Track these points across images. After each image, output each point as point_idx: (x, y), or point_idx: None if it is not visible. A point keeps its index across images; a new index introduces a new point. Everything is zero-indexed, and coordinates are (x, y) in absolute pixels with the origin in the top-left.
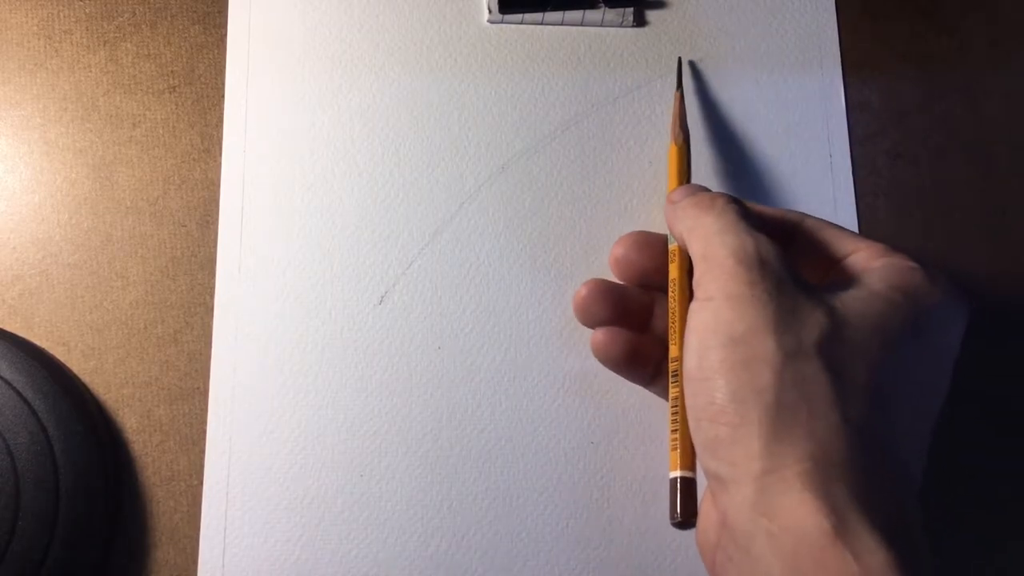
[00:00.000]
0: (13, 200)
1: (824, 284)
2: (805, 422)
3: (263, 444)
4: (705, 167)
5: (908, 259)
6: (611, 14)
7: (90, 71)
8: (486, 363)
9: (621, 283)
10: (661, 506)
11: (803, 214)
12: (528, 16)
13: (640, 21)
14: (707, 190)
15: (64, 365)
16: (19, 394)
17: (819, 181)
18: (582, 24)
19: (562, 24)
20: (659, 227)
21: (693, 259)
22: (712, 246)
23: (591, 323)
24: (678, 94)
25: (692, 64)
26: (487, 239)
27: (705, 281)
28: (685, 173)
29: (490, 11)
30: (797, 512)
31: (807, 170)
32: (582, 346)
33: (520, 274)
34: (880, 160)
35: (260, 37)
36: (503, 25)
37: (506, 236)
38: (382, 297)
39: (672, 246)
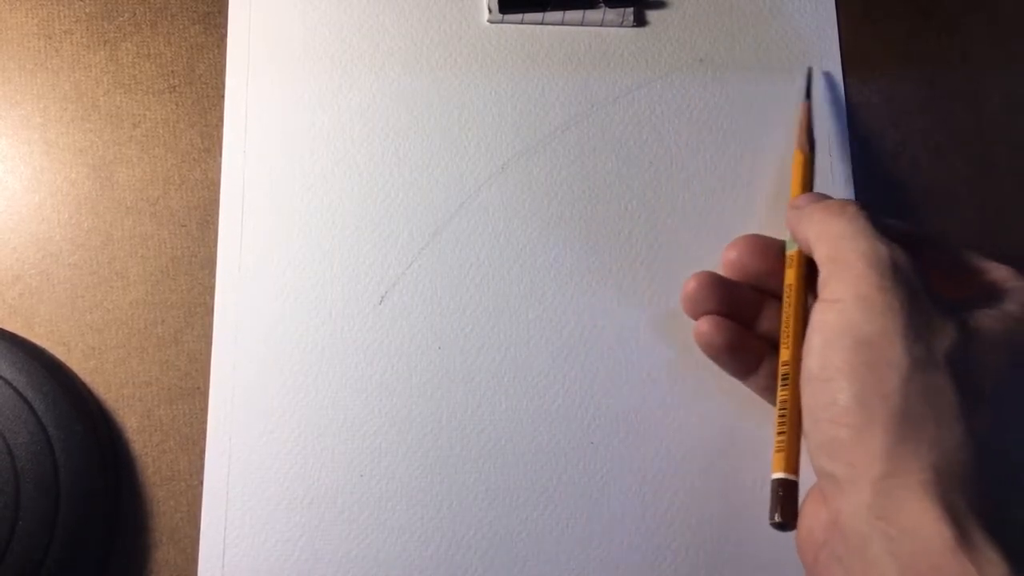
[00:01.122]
0: (13, 200)
1: (955, 301)
2: (930, 431)
3: (263, 444)
4: (705, 168)
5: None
6: (611, 14)
7: (90, 71)
8: (486, 363)
9: (730, 279)
10: (660, 506)
11: (930, 232)
12: (528, 16)
13: (640, 21)
14: (830, 198)
15: (64, 365)
16: (19, 394)
17: (819, 181)
18: (582, 24)
19: (562, 24)
20: (661, 227)
21: (819, 262)
22: (842, 250)
23: (697, 314)
24: (807, 103)
25: (692, 64)
26: (487, 239)
27: (833, 283)
28: (809, 181)
29: (490, 11)
30: (918, 519)
31: None
32: (582, 346)
33: (520, 274)
34: (880, 160)
35: (260, 37)
36: (503, 25)
37: (506, 236)
38: (382, 297)
39: (790, 251)
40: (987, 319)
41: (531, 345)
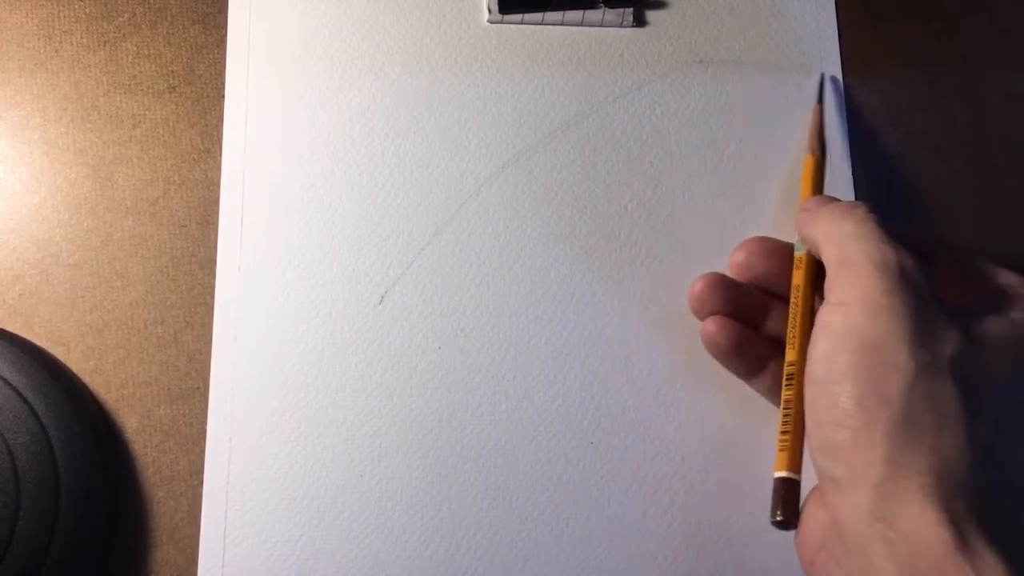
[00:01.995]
0: (13, 200)
1: (961, 307)
2: (931, 436)
3: (263, 444)
4: (705, 168)
5: None
6: (611, 14)
7: (90, 71)
8: (486, 363)
9: (738, 280)
10: (660, 506)
11: (940, 236)
12: (528, 16)
13: (640, 21)
14: (840, 200)
15: (64, 365)
16: (19, 394)
17: None
18: (582, 24)
19: (562, 24)
20: (660, 227)
21: (827, 265)
22: (850, 252)
23: (704, 314)
24: (818, 107)
25: (692, 64)
26: (487, 239)
27: (839, 286)
28: (819, 184)
29: (490, 11)
30: (918, 522)
31: None
32: (582, 346)
33: (520, 274)
34: (880, 160)
35: (260, 37)
36: (503, 25)
37: (506, 236)
38: (382, 297)
39: (799, 254)
40: (993, 326)
41: (531, 345)
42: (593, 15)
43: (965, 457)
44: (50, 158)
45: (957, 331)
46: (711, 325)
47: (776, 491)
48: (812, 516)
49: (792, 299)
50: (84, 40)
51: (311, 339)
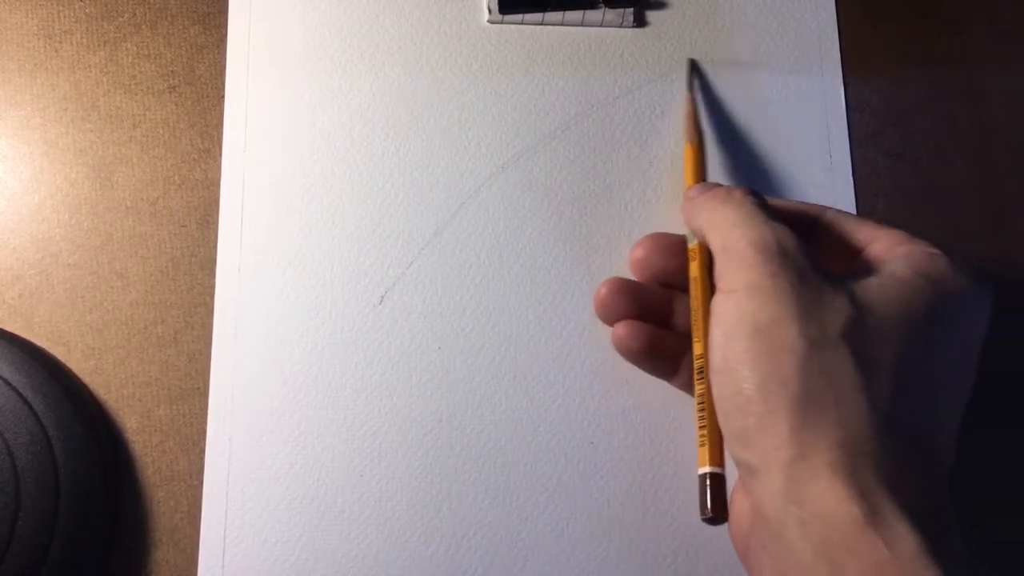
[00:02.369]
0: (13, 200)
1: (847, 273)
2: (832, 410)
3: (263, 444)
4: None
5: (930, 246)
6: (611, 14)
7: (90, 71)
8: (486, 363)
9: (640, 282)
10: (660, 506)
11: (823, 206)
12: (528, 16)
13: (640, 21)
14: (721, 186)
15: (64, 365)
16: (19, 394)
17: (819, 181)
18: (582, 24)
19: (562, 24)
20: (660, 227)
21: (713, 252)
22: (731, 238)
23: (612, 320)
24: (689, 95)
25: (694, 63)
26: (487, 239)
27: (727, 273)
28: (701, 172)
29: (490, 11)
30: (827, 499)
31: (807, 170)
32: (582, 346)
33: (520, 274)
34: (880, 160)
35: (260, 37)
36: (503, 25)
37: (506, 236)
38: (382, 297)
39: (692, 245)
40: (880, 289)
41: (531, 345)
42: (593, 15)
43: (869, 426)
44: (50, 158)
45: (844, 300)
46: (620, 329)
47: (702, 488)
48: (738, 507)
49: (692, 291)
50: (84, 40)
51: (311, 339)
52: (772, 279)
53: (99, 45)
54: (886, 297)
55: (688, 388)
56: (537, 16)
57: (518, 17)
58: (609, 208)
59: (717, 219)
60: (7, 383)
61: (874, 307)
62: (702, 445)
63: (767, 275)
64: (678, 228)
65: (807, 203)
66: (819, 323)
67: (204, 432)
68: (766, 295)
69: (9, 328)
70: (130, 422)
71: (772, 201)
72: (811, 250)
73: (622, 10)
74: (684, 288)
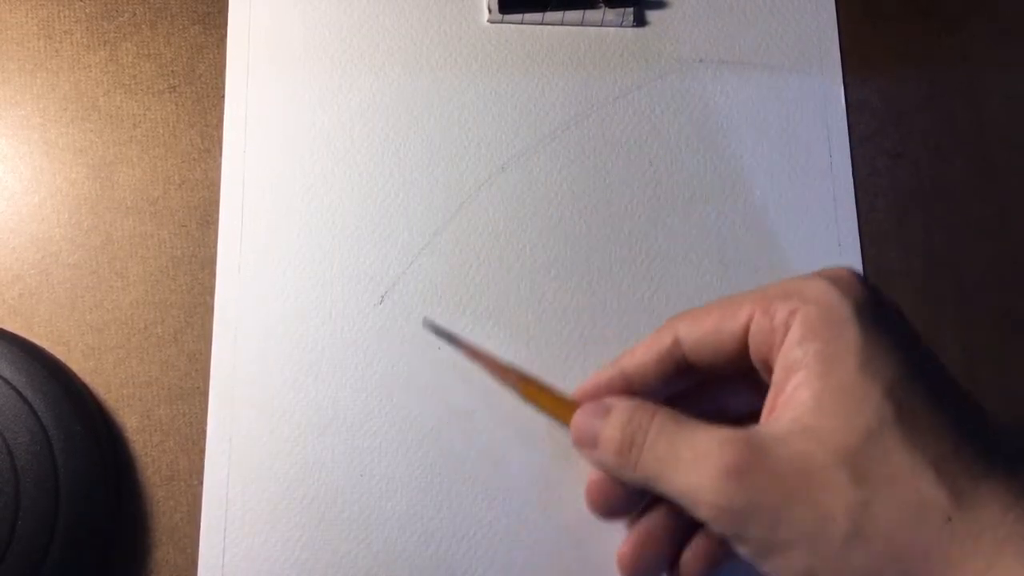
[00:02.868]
0: (13, 200)
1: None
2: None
3: (263, 444)
4: (705, 168)
5: (801, 299)
6: (611, 14)
7: (90, 71)
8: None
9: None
10: None
11: (675, 320)
12: (528, 16)
13: (640, 21)
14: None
15: (64, 365)
16: (19, 394)
17: (819, 181)
18: (582, 24)
19: (562, 24)
20: (660, 227)
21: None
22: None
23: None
24: (472, 351)
25: (692, 64)
26: (487, 239)
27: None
28: (560, 398)
29: (490, 11)
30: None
31: (807, 170)
32: (582, 347)
33: (520, 274)
34: (880, 160)
35: (260, 37)
36: (503, 25)
37: (506, 236)
38: (382, 297)
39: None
40: (778, 427)
41: (531, 345)
42: (593, 15)
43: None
44: (50, 158)
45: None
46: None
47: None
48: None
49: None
50: (84, 40)
51: (311, 339)
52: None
53: (99, 45)
54: (794, 423)
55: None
56: (537, 16)
57: (518, 17)
58: (609, 208)
59: (664, 471)
60: (7, 383)
61: (777, 436)
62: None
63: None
64: (679, 227)
65: (663, 333)
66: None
67: (204, 432)
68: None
69: (9, 328)
70: (130, 422)
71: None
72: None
73: (622, 10)
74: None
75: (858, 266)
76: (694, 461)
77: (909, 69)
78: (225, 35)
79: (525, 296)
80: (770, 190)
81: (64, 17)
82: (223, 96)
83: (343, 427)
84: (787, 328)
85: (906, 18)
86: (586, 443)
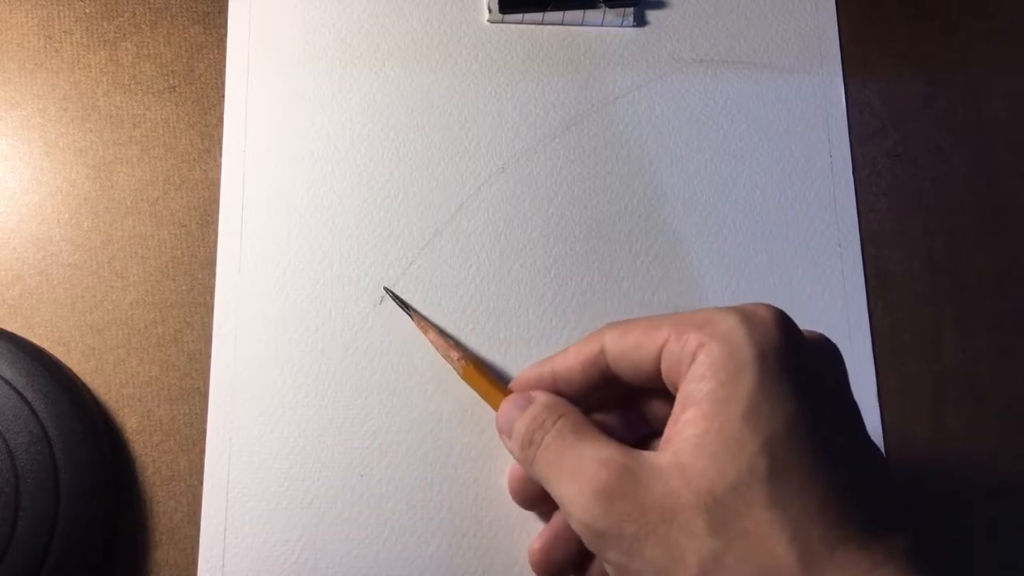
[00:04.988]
0: (13, 200)
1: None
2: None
3: (263, 444)
4: (705, 168)
5: (711, 332)
6: (611, 14)
7: (90, 71)
8: (486, 363)
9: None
10: None
11: (606, 328)
12: (528, 16)
13: (640, 21)
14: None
15: (64, 365)
16: (19, 394)
17: (819, 181)
18: (582, 24)
19: (562, 24)
20: (660, 227)
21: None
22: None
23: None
24: (422, 322)
25: (692, 64)
26: (487, 239)
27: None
28: (495, 383)
29: (490, 11)
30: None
31: (807, 170)
32: None
33: (520, 274)
34: (880, 160)
35: (260, 37)
36: (503, 25)
37: (506, 236)
38: (382, 297)
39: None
40: (665, 456)
41: (531, 345)
42: (593, 15)
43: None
44: (50, 158)
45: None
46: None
47: None
48: None
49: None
50: (84, 40)
51: (311, 339)
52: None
53: (99, 45)
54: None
55: None
56: (537, 16)
57: (518, 17)
58: (609, 208)
59: (555, 474)
60: (7, 383)
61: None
62: None
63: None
64: (679, 227)
65: (591, 341)
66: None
67: (204, 432)
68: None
69: (9, 328)
70: (130, 422)
71: (553, 369)
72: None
73: (622, 10)
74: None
75: (858, 266)
76: (574, 474)
77: (909, 69)
78: (225, 35)
79: (525, 296)
80: (770, 190)
81: (64, 17)
82: (223, 96)
83: (343, 427)
84: (693, 359)
85: (906, 18)
86: (504, 431)
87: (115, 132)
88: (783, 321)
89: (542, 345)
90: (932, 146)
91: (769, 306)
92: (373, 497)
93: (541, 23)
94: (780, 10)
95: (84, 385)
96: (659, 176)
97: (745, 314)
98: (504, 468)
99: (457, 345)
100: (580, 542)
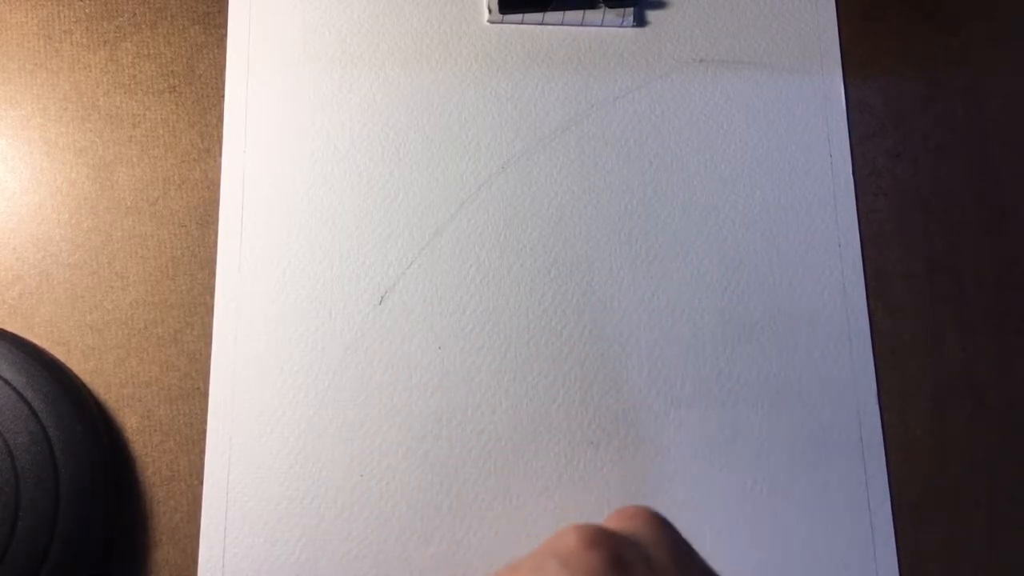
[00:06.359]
0: (13, 200)
1: None
2: None
3: (263, 444)
4: (705, 168)
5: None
6: (611, 14)
7: (90, 71)
8: (486, 363)
9: None
10: (660, 507)
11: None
12: (528, 16)
13: (640, 21)
14: None
15: (64, 365)
16: (19, 394)
17: (819, 181)
18: (582, 24)
19: (562, 24)
20: (660, 227)
21: None
22: None
23: None
24: None
25: (692, 64)
26: (487, 239)
27: None
28: None
29: (490, 11)
30: None
31: (807, 170)
32: (582, 347)
33: (520, 274)
34: (880, 160)
35: (260, 37)
36: (503, 25)
37: (506, 236)
38: (382, 297)
39: None
40: None
41: (531, 345)
42: (593, 15)
43: None
44: (50, 158)
45: None
46: None
47: None
48: None
49: None
50: (84, 40)
51: (311, 339)
52: None
53: (99, 45)
54: None
55: None
56: (537, 16)
57: (518, 17)
58: (609, 208)
59: None
60: (7, 383)
61: None
62: None
63: None
64: (679, 227)
65: None
66: None
67: (204, 432)
68: None
69: (9, 328)
70: (130, 422)
71: None
72: None
73: (622, 10)
74: None
75: (858, 266)
76: None
77: (909, 69)
78: (225, 35)
79: (525, 296)
80: (770, 190)
81: (64, 17)
82: (223, 96)
83: (343, 427)
84: None
85: (906, 18)
86: None
87: (115, 132)
88: (604, 553)
89: (542, 345)
90: (932, 146)
91: (592, 531)
92: (373, 497)
93: (541, 23)
94: (780, 10)
95: (84, 385)
96: (659, 176)
97: (562, 556)
98: (504, 468)
99: None
100: None
